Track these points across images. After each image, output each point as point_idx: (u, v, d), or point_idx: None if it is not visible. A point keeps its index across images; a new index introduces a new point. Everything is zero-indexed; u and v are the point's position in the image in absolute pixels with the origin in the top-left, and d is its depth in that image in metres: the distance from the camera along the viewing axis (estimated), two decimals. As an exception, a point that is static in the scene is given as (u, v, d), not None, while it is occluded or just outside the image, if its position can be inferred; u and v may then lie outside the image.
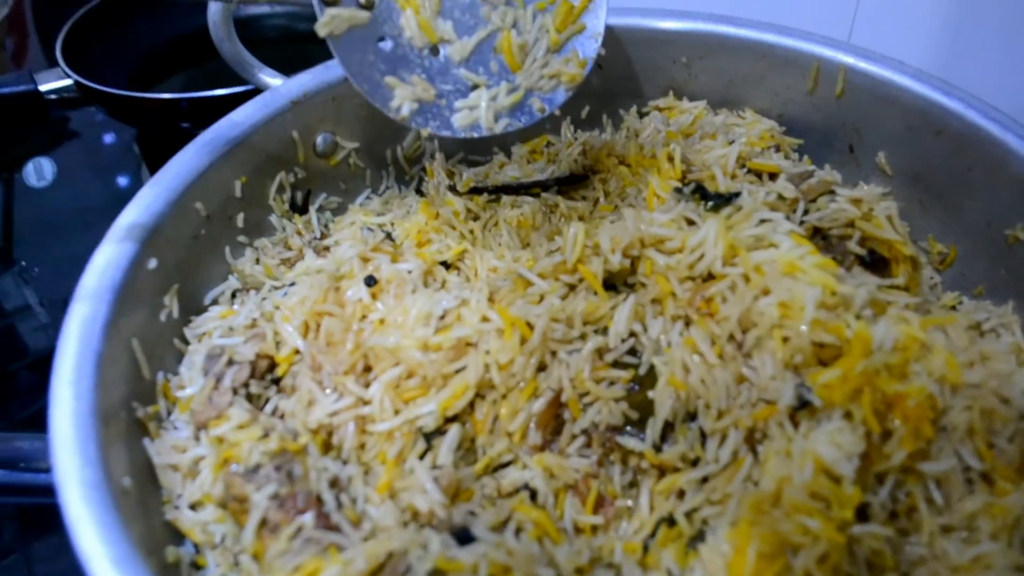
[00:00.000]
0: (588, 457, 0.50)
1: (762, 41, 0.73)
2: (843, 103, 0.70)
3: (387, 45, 0.57)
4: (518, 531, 0.47)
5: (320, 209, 0.73)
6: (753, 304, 0.50)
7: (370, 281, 0.56)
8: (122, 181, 1.16)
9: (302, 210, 0.71)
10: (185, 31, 1.26)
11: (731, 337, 0.50)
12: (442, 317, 0.53)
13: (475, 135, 0.59)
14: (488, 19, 0.59)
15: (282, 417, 0.52)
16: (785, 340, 0.49)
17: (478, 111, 0.59)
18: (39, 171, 1.20)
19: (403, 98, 0.57)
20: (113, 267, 0.53)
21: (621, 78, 0.79)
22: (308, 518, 0.45)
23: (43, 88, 1.04)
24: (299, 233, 0.69)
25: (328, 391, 0.51)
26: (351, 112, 0.72)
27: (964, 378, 0.47)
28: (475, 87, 0.59)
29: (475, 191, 0.69)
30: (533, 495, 0.49)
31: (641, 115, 0.78)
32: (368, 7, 0.56)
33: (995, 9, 0.72)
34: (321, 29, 0.55)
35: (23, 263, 1.02)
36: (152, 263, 0.56)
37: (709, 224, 0.53)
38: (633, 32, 0.76)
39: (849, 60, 0.69)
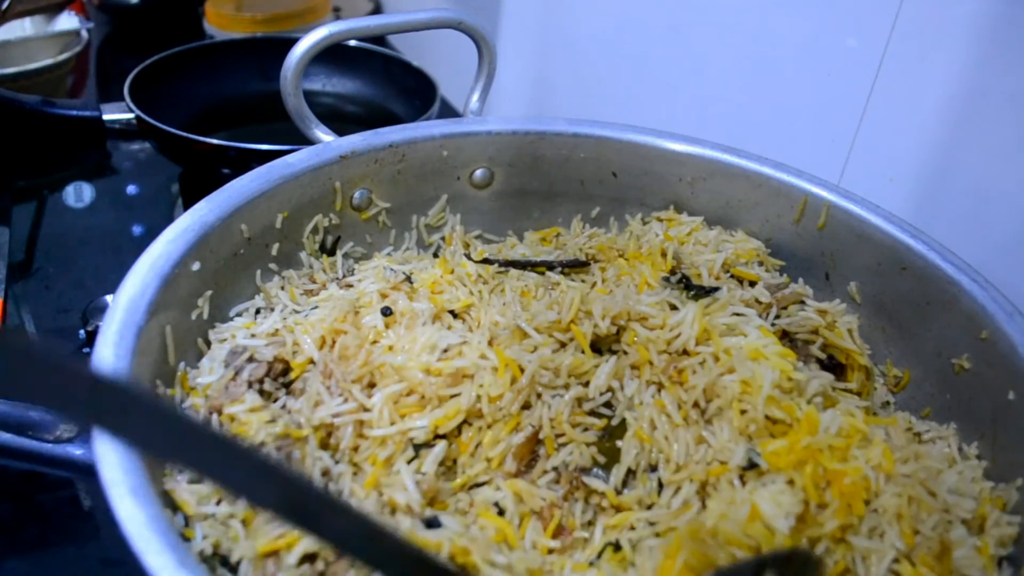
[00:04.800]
0: (555, 491, 0.55)
1: (760, 172, 0.82)
2: (824, 235, 0.79)
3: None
4: (481, 531, 0.52)
5: (345, 256, 0.80)
6: (718, 379, 0.56)
7: (386, 311, 0.62)
8: (152, 215, 1.25)
9: (330, 252, 0.79)
10: (235, 94, 1.41)
11: (696, 404, 0.56)
12: (445, 350, 0.59)
13: None
14: None
15: (289, 413, 0.57)
16: (742, 412, 0.55)
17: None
18: (79, 193, 1.30)
19: None
20: (163, 259, 0.60)
21: (631, 187, 0.88)
22: (300, 495, 0.49)
23: (106, 117, 1.14)
24: (324, 271, 0.76)
25: (335, 395, 0.56)
26: (389, 176, 0.81)
27: (898, 469, 0.53)
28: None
29: (486, 261, 0.76)
30: (501, 512, 0.54)
31: (644, 222, 0.87)
32: None
33: (967, 170, 0.82)
34: None
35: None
36: (196, 265, 0.63)
37: (689, 308, 0.61)
38: (647, 148, 0.86)
39: (832, 198, 0.78)
